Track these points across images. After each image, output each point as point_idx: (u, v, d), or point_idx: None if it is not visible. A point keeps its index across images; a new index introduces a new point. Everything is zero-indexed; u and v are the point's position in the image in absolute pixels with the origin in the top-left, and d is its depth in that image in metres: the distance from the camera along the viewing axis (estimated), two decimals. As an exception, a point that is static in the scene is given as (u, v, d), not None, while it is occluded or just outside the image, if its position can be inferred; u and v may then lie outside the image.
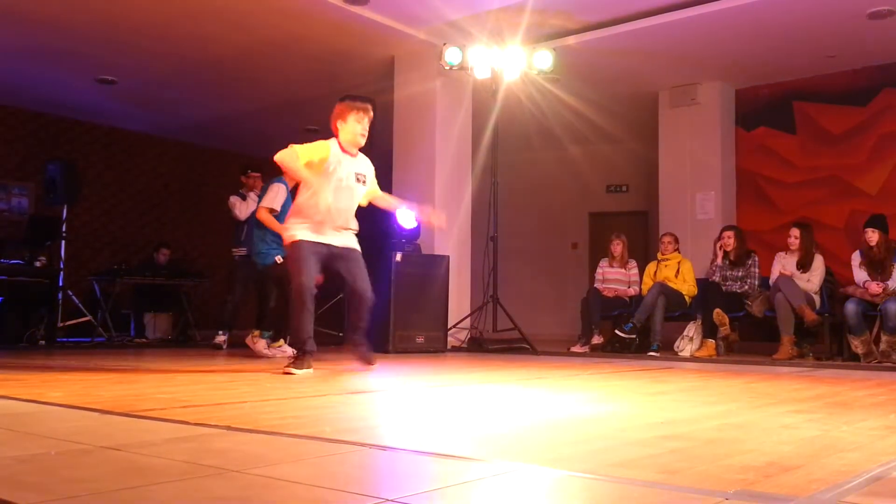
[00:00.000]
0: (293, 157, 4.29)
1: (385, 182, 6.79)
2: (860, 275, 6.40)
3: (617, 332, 7.30)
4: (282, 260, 5.80)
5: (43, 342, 7.11)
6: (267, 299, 6.29)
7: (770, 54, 7.81)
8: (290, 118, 10.12)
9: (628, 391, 3.76)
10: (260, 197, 6.32)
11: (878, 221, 6.44)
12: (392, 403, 3.31)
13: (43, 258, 7.48)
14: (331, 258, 4.47)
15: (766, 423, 2.61)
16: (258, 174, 7.14)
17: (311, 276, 4.37)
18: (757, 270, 7.08)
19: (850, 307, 6.20)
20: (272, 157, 4.41)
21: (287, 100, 9.46)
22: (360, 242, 4.70)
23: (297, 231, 4.39)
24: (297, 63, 8.21)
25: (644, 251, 9.63)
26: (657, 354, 6.81)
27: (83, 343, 7.57)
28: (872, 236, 6.37)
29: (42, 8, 6.81)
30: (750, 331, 7.35)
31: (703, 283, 7.29)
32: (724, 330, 6.75)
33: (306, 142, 4.48)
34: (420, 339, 6.90)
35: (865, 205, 7.71)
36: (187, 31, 7.33)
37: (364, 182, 4.61)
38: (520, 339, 7.26)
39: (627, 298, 7.67)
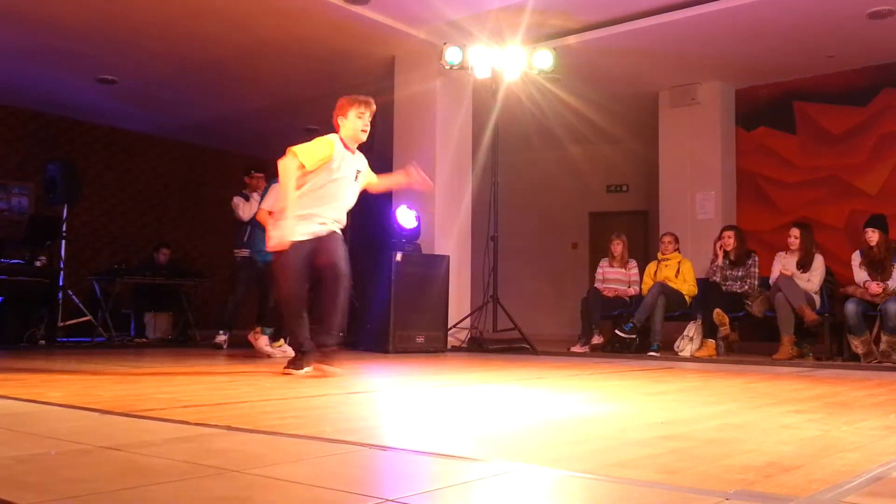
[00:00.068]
0: (289, 173, 4.16)
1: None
2: (860, 275, 6.40)
3: (617, 332, 7.30)
4: None
5: (43, 342, 7.11)
6: (268, 297, 6.30)
7: (770, 54, 7.81)
8: (290, 118, 10.12)
9: (628, 391, 3.76)
10: (262, 197, 6.32)
11: (878, 221, 6.44)
12: (392, 403, 3.31)
13: (43, 258, 7.48)
14: (317, 245, 4.29)
15: (766, 423, 2.61)
16: (261, 175, 7.14)
17: (299, 284, 4.27)
18: (757, 270, 7.08)
19: (850, 307, 6.20)
20: (274, 157, 4.38)
21: (287, 100, 9.46)
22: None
23: (287, 231, 4.20)
24: (297, 63, 8.21)
25: (644, 251, 9.63)
26: (657, 354, 6.81)
27: (83, 343, 7.57)
28: (872, 236, 6.37)
29: (42, 8, 6.81)
30: (750, 331, 7.35)
31: (703, 283, 7.29)
32: (725, 330, 6.75)
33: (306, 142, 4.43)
34: (420, 339, 6.90)
35: (865, 205, 7.71)
36: (187, 31, 7.32)
37: (359, 178, 4.53)
38: (520, 339, 7.26)
39: (627, 298, 7.67)
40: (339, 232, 4.43)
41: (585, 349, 7.37)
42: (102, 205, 10.73)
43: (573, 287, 10.34)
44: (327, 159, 4.27)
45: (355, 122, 4.37)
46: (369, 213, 8.20)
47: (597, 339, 7.46)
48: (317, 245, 4.27)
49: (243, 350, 6.41)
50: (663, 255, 7.52)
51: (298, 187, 4.27)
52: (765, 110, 8.75)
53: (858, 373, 5.31)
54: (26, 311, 7.22)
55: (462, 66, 7.28)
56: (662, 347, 6.99)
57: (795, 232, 6.84)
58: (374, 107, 4.44)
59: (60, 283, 7.58)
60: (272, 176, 5.78)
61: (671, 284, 7.26)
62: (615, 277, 7.79)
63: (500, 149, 7.97)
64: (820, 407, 3.12)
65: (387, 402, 3.38)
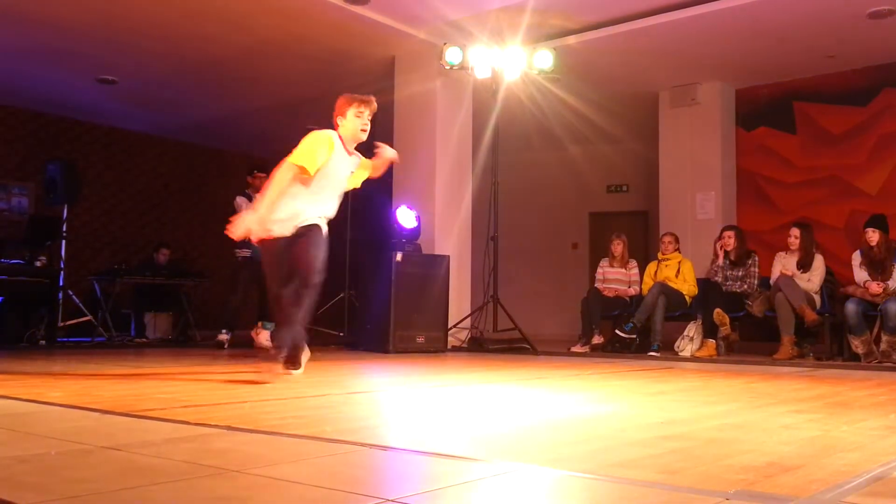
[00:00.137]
0: (282, 181, 3.98)
1: (385, 182, 6.81)
2: (860, 275, 6.40)
3: (617, 332, 7.30)
4: None
5: (43, 342, 7.11)
6: (266, 296, 6.30)
7: (770, 54, 7.81)
8: (290, 118, 10.11)
9: (628, 391, 3.75)
10: None
11: (878, 221, 6.44)
12: (392, 403, 3.31)
13: (43, 258, 7.48)
14: (293, 241, 4.10)
15: (767, 424, 2.61)
16: (264, 175, 7.11)
17: (282, 282, 4.09)
18: (757, 270, 7.08)
19: (851, 307, 6.20)
20: (274, 157, 4.31)
21: (287, 100, 9.46)
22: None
23: (263, 223, 4.02)
24: (297, 63, 8.21)
25: (644, 251, 9.63)
26: (657, 354, 6.81)
27: (83, 343, 7.57)
28: (873, 236, 6.37)
29: (42, 8, 6.81)
30: (750, 331, 7.35)
31: (703, 283, 7.29)
32: (725, 330, 6.75)
33: None
34: (420, 339, 6.90)
35: (865, 205, 7.71)
36: (187, 31, 7.33)
37: (351, 177, 4.37)
38: (520, 339, 7.26)
39: (628, 298, 7.67)
40: (323, 225, 4.22)
41: (586, 349, 7.37)
42: (102, 205, 10.73)
43: (573, 287, 10.34)
44: (327, 158, 4.12)
45: (354, 121, 4.21)
46: (369, 213, 8.22)
47: (597, 339, 7.46)
48: (293, 241, 4.08)
49: (244, 350, 6.42)
50: (663, 255, 7.52)
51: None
52: (765, 110, 8.75)
53: (859, 373, 5.31)
54: (26, 312, 7.22)
55: (462, 67, 7.28)
56: (663, 347, 6.99)
57: (795, 232, 6.84)
58: (375, 106, 4.27)
59: (60, 284, 7.58)
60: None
61: (671, 284, 7.26)
62: (615, 277, 7.78)
63: (501, 149, 7.97)
64: (820, 407, 3.12)
65: (387, 402, 3.38)
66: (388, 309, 6.74)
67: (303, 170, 4.04)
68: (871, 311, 6.20)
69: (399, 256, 6.88)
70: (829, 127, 8.34)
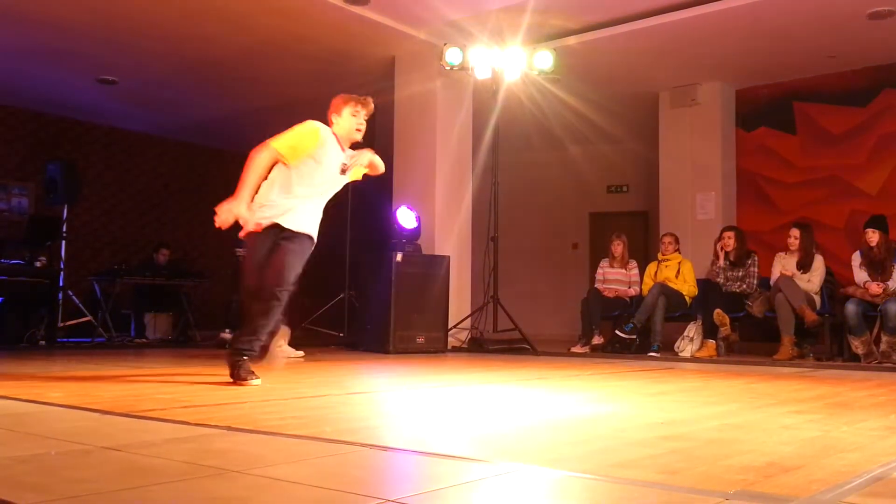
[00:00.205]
0: (259, 165, 3.89)
1: (385, 182, 6.81)
2: (860, 275, 6.40)
3: (617, 332, 7.30)
4: None
5: (43, 342, 7.11)
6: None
7: (770, 54, 7.81)
8: (290, 118, 10.04)
9: (628, 392, 3.75)
10: None
11: (878, 222, 6.44)
12: (392, 404, 3.31)
13: (43, 258, 7.48)
14: (274, 247, 3.91)
15: (767, 424, 2.61)
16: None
17: (251, 291, 3.90)
18: (757, 271, 7.08)
19: (851, 308, 6.20)
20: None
21: (287, 100, 9.45)
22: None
23: (256, 215, 3.92)
24: (297, 63, 8.21)
25: (644, 251, 9.63)
26: (657, 355, 6.81)
27: (83, 343, 7.57)
28: (873, 237, 6.37)
29: (42, 8, 6.81)
30: (750, 331, 7.35)
31: (703, 284, 7.29)
32: (725, 330, 6.75)
33: None
34: (420, 340, 6.90)
35: (865, 205, 7.71)
36: (187, 31, 7.33)
37: (346, 171, 4.20)
38: (520, 339, 7.26)
39: (628, 299, 7.67)
40: (313, 235, 4.03)
41: (586, 349, 7.37)
42: (102, 205, 10.73)
43: (573, 287, 10.34)
44: (312, 152, 4.00)
45: (350, 120, 4.11)
46: (369, 213, 8.22)
47: (597, 340, 7.46)
48: (276, 246, 3.89)
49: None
50: (663, 255, 7.52)
51: (266, 175, 3.99)
52: (765, 110, 8.75)
53: (859, 373, 5.31)
54: (26, 312, 7.22)
55: (462, 67, 7.28)
56: (663, 348, 6.99)
57: (795, 232, 6.83)
58: (372, 107, 4.16)
59: (60, 284, 7.58)
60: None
61: (671, 285, 7.26)
62: (615, 278, 7.78)
63: (501, 149, 7.97)
64: (820, 407, 3.12)
65: (387, 402, 3.38)
66: (388, 309, 6.74)
67: (281, 157, 3.94)
68: (871, 311, 6.20)
69: (399, 257, 6.88)
70: (829, 127, 8.34)
